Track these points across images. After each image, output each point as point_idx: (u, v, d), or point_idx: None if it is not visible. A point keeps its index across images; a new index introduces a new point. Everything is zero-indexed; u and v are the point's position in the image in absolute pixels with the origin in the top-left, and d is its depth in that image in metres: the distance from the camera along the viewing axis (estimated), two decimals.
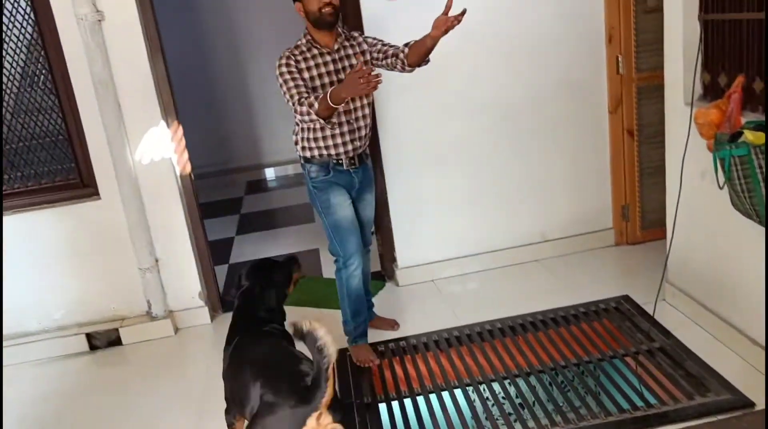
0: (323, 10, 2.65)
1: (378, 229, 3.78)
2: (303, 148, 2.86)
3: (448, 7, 2.55)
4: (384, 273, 3.85)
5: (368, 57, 2.83)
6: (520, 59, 3.54)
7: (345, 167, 2.84)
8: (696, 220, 2.87)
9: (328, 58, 2.75)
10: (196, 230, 3.60)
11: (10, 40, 3.32)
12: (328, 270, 4.11)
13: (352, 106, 2.77)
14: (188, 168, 3.55)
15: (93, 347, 3.52)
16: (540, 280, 3.62)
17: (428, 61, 2.78)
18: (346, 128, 2.78)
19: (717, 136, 2.40)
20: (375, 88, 2.45)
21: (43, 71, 3.35)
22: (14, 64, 3.35)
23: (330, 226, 2.90)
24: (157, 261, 3.51)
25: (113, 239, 3.46)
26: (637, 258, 3.72)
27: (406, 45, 2.77)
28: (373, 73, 2.41)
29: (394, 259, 3.75)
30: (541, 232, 3.80)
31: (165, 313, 3.55)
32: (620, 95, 3.63)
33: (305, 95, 2.60)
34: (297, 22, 2.86)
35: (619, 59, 3.56)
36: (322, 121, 2.57)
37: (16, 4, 3.26)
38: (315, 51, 2.74)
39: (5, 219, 3.38)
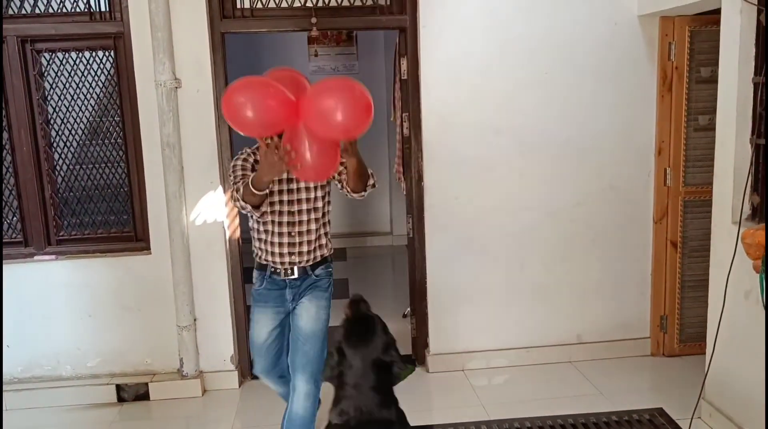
0: None
1: (414, 313, 3.81)
2: (255, 251, 2.71)
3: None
4: (415, 357, 3.84)
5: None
6: (568, 162, 3.64)
7: (281, 276, 2.64)
8: (738, 339, 2.84)
9: (284, 176, 2.56)
10: (236, 293, 3.68)
11: (91, 96, 3.55)
12: None
13: (297, 219, 2.59)
14: (238, 233, 3.66)
15: (120, 399, 3.55)
16: (572, 383, 3.57)
17: (374, 185, 2.60)
18: (286, 240, 2.60)
19: (764, 257, 2.42)
20: (291, 163, 2.27)
21: (117, 128, 3.55)
22: (91, 118, 3.57)
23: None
24: (195, 320, 3.57)
25: (156, 294, 3.54)
26: (673, 371, 3.66)
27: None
28: (286, 149, 2.25)
29: (426, 345, 3.76)
30: (577, 333, 3.78)
31: (195, 373, 3.58)
32: (666, 206, 3.68)
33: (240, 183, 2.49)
34: None
35: (667, 172, 3.64)
36: (250, 208, 2.46)
37: (102, 67, 3.50)
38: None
39: (60, 262, 3.52)
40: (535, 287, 3.74)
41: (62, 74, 3.52)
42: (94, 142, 3.61)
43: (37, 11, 3.42)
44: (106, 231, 3.63)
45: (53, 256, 3.54)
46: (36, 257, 3.54)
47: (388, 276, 5.89)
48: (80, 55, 3.50)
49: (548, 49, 3.54)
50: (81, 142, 3.60)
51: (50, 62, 3.50)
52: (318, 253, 2.66)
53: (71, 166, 3.62)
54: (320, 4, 3.51)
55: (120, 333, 3.59)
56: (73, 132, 3.58)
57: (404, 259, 3.96)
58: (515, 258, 3.70)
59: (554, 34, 3.53)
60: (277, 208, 2.57)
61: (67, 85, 3.53)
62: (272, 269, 2.65)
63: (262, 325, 2.70)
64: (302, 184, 2.58)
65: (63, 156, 3.59)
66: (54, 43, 3.44)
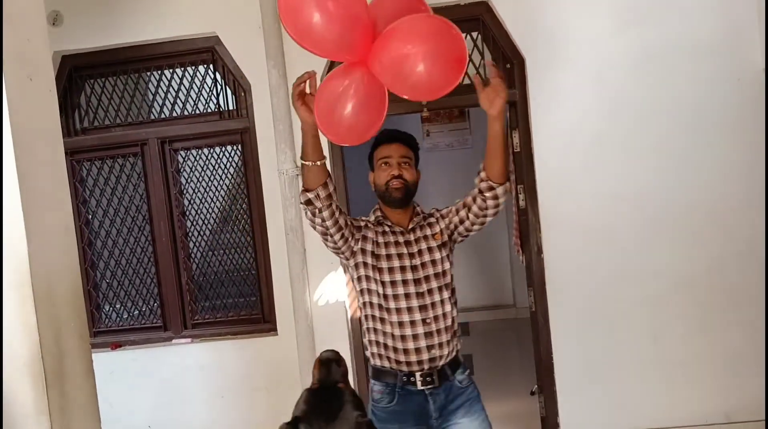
0: (390, 184, 2.21)
1: (542, 391, 3.66)
2: (371, 354, 2.27)
3: (493, 74, 2.05)
4: None
5: (446, 236, 2.26)
6: (697, 227, 3.44)
7: (418, 387, 2.15)
8: None
9: (400, 238, 2.25)
10: (359, 373, 3.70)
11: (221, 187, 3.82)
12: None
13: (429, 301, 2.16)
14: (359, 312, 3.71)
15: None
16: None
17: (512, 172, 2.16)
18: (421, 330, 2.13)
19: None
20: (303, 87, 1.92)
21: (245, 215, 3.78)
22: (221, 207, 3.83)
23: None
24: None
25: (283, 375, 3.63)
26: None
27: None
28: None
29: (557, 425, 3.57)
30: (725, 412, 3.46)
31: None
32: None
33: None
34: None
35: None
36: (310, 197, 2.07)
37: (230, 160, 3.78)
38: (386, 228, 2.27)
39: (194, 345, 3.72)
40: (671, 362, 3.48)
41: (195, 169, 3.82)
42: (224, 229, 3.85)
43: (174, 114, 3.78)
44: (236, 313, 3.81)
45: (189, 340, 3.75)
46: (174, 341, 3.77)
47: (514, 350, 5.70)
48: (211, 150, 3.80)
49: (665, 111, 3.41)
50: (212, 229, 3.86)
51: (185, 159, 3.82)
52: (454, 350, 2.19)
53: (204, 253, 3.87)
54: None
55: (249, 413, 3.69)
56: (205, 220, 3.85)
57: (530, 332, 3.84)
58: (647, 330, 3.48)
59: (670, 95, 3.41)
60: (398, 276, 2.18)
61: (200, 178, 3.82)
62: (405, 377, 2.15)
63: None
64: (423, 245, 2.23)
65: (197, 243, 3.86)
66: (188, 141, 3.76)
